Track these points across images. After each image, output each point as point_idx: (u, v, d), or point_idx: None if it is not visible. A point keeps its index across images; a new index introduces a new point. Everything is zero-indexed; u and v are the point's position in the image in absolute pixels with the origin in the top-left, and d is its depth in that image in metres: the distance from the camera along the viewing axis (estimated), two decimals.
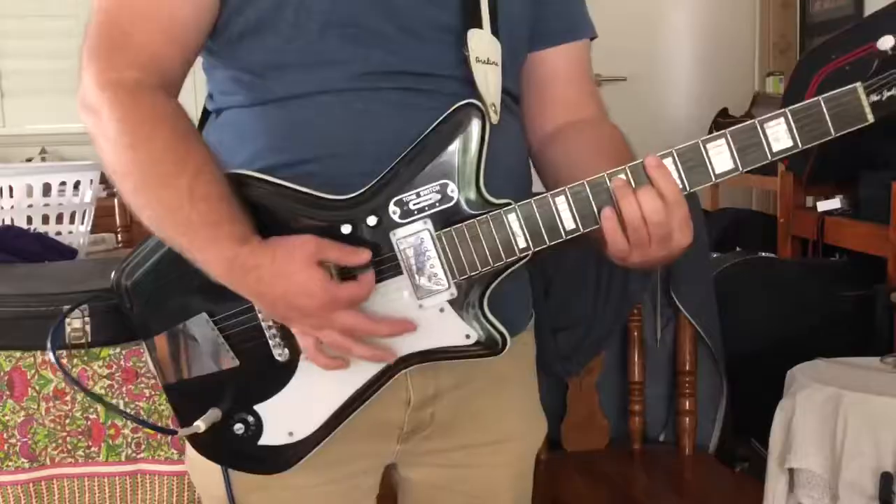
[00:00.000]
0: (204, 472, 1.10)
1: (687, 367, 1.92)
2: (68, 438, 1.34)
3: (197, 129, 1.00)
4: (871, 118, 0.95)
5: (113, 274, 1.04)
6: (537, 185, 1.12)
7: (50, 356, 1.07)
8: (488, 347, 1.01)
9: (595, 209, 0.96)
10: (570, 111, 1.16)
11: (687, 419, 1.92)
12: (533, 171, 1.16)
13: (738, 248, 2.89)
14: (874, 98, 0.94)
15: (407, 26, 1.01)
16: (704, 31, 4.49)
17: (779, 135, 0.95)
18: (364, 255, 0.96)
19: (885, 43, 0.95)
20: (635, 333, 1.93)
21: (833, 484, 1.62)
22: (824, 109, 0.94)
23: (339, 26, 1.00)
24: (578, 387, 1.94)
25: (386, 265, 0.98)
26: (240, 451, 1.05)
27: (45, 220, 1.88)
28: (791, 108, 0.95)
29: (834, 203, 2.80)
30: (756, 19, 4.47)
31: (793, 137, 0.95)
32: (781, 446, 1.71)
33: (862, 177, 2.66)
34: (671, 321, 1.97)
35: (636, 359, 1.93)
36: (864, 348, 2.13)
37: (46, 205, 1.88)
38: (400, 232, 0.98)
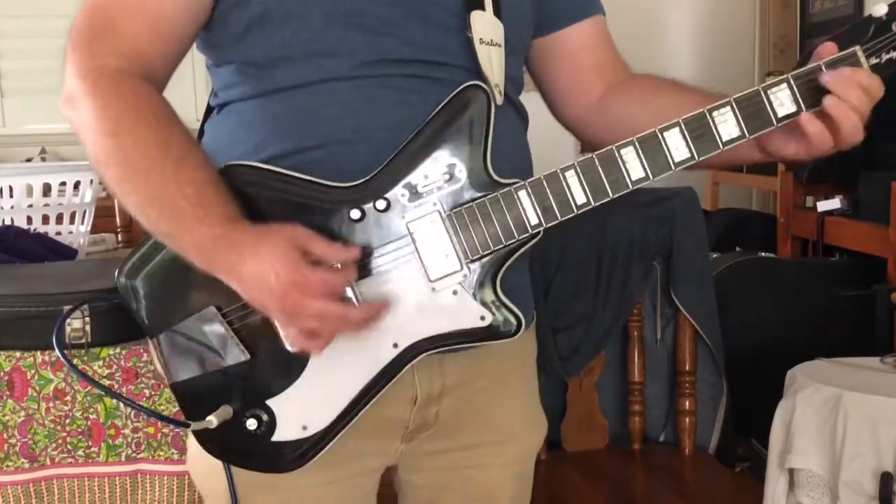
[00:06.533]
0: (206, 470, 1.08)
1: (687, 367, 1.92)
2: (68, 438, 1.33)
3: (179, 119, 0.98)
4: None
5: (116, 273, 1.03)
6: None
7: (58, 354, 1.05)
8: (504, 329, 1.00)
9: (606, 183, 0.97)
10: (611, 74, 1.19)
11: (687, 419, 1.92)
12: (532, 161, 1.15)
13: (738, 248, 2.90)
14: (874, 61, 0.96)
15: (412, 10, 1.01)
16: (704, 31, 4.48)
17: (783, 100, 0.96)
18: (348, 253, 0.94)
19: (880, 9, 0.96)
20: (635, 333, 1.93)
21: (833, 484, 1.62)
22: None
23: (342, 16, 0.99)
24: (578, 387, 1.94)
25: (397, 249, 0.97)
26: (251, 449, 1.02)
27: (45, 220, 1.88)
28: (793, 73, 0.97)
29: (834, 203, 2.81)
30: (756, 19, 4.46)
31: (797, 102, 0.96)
32: (781, 446, 1.71)
33: (862, 177, 2.66)
34: (671, 321, 1.97)
35: (636, 359, 1.93)
36: (864, 348, 2.13)
37: (46, 205, 1.88)
38: (410, 215, 0.97)
